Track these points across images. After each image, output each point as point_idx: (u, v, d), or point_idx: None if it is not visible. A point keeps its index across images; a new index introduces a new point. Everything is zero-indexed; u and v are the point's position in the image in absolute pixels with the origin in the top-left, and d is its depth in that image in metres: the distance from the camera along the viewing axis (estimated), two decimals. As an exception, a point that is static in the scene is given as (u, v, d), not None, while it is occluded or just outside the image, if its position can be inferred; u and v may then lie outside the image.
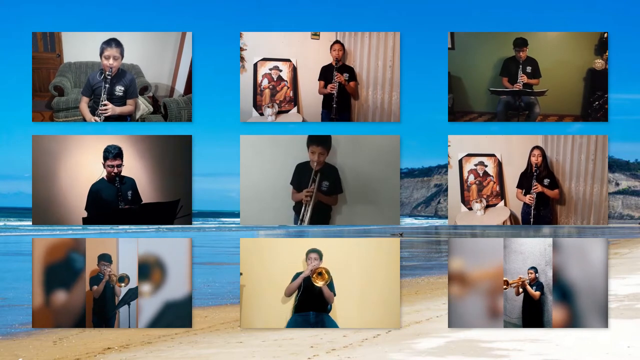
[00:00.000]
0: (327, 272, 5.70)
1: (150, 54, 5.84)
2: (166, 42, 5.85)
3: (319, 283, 5.69)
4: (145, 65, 5.84)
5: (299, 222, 5.78)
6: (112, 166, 5.71)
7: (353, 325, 5.74)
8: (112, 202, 5.73)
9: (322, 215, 5.79)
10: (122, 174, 5.74)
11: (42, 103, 5.82)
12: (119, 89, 5.78)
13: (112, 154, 5.71)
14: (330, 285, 5.70)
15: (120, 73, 5.78)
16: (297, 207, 5.80)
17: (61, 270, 5.69)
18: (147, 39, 5.84)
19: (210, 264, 18.57)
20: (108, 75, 5.76)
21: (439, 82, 5.88)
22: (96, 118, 5.78)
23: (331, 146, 5.76)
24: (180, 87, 5.87)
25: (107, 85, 5.77)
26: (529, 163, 5.85)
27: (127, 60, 5.80)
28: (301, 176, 5.77)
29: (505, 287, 5.69)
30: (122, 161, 5.73)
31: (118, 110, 5.80)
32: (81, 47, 5.79)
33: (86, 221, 5.71)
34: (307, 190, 5.76)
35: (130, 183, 5.75)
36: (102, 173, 5.73)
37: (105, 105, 5.78)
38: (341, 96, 5.87)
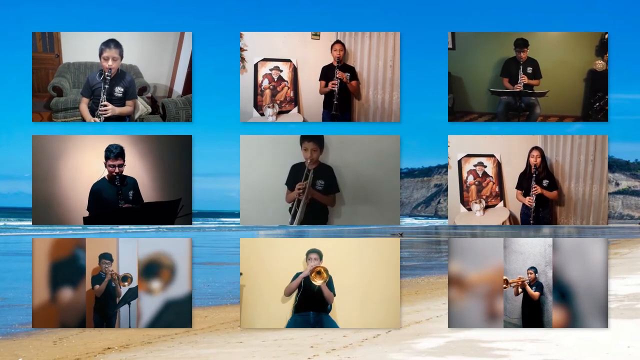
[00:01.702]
0: (326, 270, 5.70)
1: (149, 54, 5.84)
2: (165, 43, 5.85)
3: (318, 282, 5.69)
4: (144, 65, 5.83)
5: (291, 217, 5.77)
6: (114, 166, 5.70)
7: (353, 325, 5.74)
8: (113, 202, 5.73)
9: (318, 215, 5.79)
10: (124, 173, 5.74)
11: (40, 104, 5.82)
12: (119, 90, 5.78)
13: (114, 153, 5.70)
14: (330, 285, 5.70)
15: (119, 74, 5.78)
16: (292, 208, 5.81)
17: (62, 270, 5.69)
18: (145, 39, 5.84)
19: (210, 264, 18.58)
20: (107, 76, 5.76)
21: (439, 82, 5.88)
22: (96, 119, 5.78)
23: (324, 142, 5.75)
24: (178, 87, 5.86)
25: (106, 86, 5.76)
26: (528, 164, 5.85)
27: (126, 61, 5.79)
28: (296, 177, 5.77)
29: (505, 286, 5.69)
30: (123, 161, 5.72)
31: (117, 110, 5.80)
32: (80, 48, 5.79)
33: (87, 221, 5.71)
34: (300, 184, 5.75)
35: (132, 183, 5.75)
36: (103, 173, 5.73)
37: (105, 105, 5.78)
38: (343, 96, 5.87)
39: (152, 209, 5.74)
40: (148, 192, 5.76)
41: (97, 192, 5.71)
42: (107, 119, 5.78)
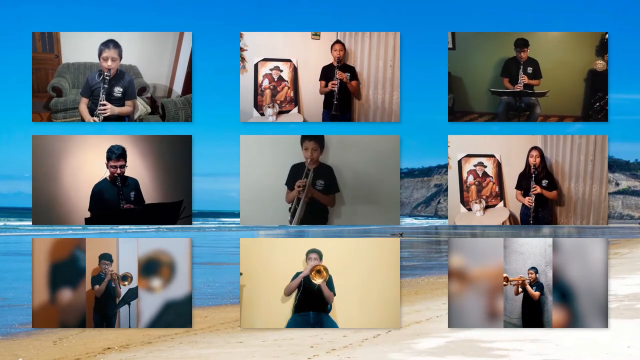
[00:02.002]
0: (326, 269, 5.70)
1: (148, 54, 5.83)
2: (164, 43, 5.85)
3: (318, 280, 5.69)
4: (144, 66, 5.83)
5: (290, 215, 5.76)
6: (115, 167, 5.70)
7: (353, 325, 5.74)
8: (115, 203, 5.72)
9: (318, 215, 5.79)
10: (126, 174, 5.73)
11: (40, 104, 5.81)
12: (118, 90, 5.78)
13: (116, 154, 5.70)
14: (330, 285, 5.70)
15: (118, 74, 5.78)
16: (292, 207, 5.81)
17: (62, 270, 5.69)
18: (145, 39, 5.83)
19: (210, 264, 18.57)
20: (107, 76, 5.76)
21: (439, 82, 5.88)
22: (95, 118, 5.78)
23: (324, 142, 5.75)
24: (177, 87, 5.86)
25: (105, 86, 5.76)
26: (527, 164, 5.85)
27: (126, 61, 5.79)
28: (296, 177, 5.77)
29: (505, 283, 5.69)
30: (125, 162, 5.72)
31: (117, 110, 5.80)
32: (80, 48, 5.79)
33: (89, 221, 5.71)
34: (300, 182, 5.75)
35: (134, 184, 5.74)
36: (105, 173, 5.72)
37: (104, 105, 5.77)
38: (343, 96, 5.87)
39: (154, 210, 5.74)
40: (149, 192, 5.76)
41: (99, 193, 5.71)
42: (106, 119, 5.78)
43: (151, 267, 5.69)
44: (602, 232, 43.26)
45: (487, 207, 5.90)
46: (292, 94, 5.91)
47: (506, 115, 5.86)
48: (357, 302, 5.70)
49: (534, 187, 5.84)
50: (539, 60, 5.82)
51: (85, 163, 5.72)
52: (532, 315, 5.70)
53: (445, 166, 6.04)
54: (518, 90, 5.83)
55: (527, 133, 5.87)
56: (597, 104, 5.79)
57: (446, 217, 6.55)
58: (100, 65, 5.76)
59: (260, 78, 5.88)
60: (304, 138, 5.76)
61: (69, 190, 5.72)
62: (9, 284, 13.89)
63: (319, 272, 5.70)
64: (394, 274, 5.69)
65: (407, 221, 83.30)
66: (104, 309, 5.72)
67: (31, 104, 5.81)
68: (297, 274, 5.71)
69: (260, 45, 5.87)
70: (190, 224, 5.79)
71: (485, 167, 5.89)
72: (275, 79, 5.89)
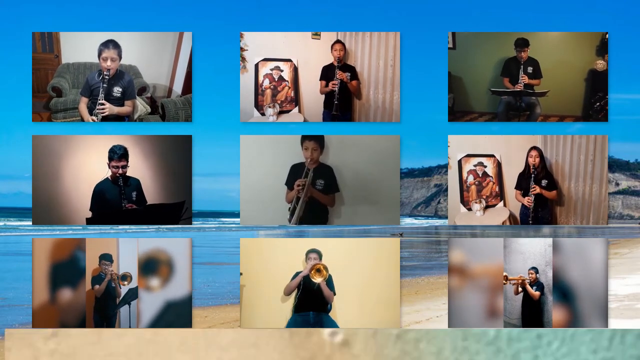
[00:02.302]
0: (326, 268, 5.69)
1: (148, 54, 5.83)
2: (164, 43, 5.85)
3: (318, 279, 5.68)
4: (143, 66, 5.83)
5: (290, 215, 5.75)
6: (117, 167, 5.70)
7: (353, 325, 5.73)
8: (116, 203, 5.72)
9: (318, 215, 5.79)
10: (127, 174, 5.73)
11: (40, 104, 5.81)
12: (117, 90, 5.78)
13: (117, 154, 5.69)
14: (330, 284, 5.69)
15: (118, 74, 5.78)
16: (292, 208, 5.80)
17: (62, 270, 5.68)
18: (145, 39, 5.83)
19: (210, 264, 18.57)
20: (106, 76, 5.75)
21: (439, 82, 5.88)
22: (93, 117, 5.77)
23: (324, 142, 5.75)
24: (177, 87, 5.86)
25: (105, 86, 5.76)
26: (527, 164, 5.85)
27: (125, 61, 5.79)
28: (296, 177, 5.77)
29: (504, 282, 5.68)
30: (127, 162, 5.72)
31: (116, 110, 5.79)
32: (80, 48, 5.78)
33: (90, 222, 5.71)
34: (299, 181, 5.74)
35: (135, 184, 5.74)
36: (107, 173, 5.72)
37: (102, 104, 5.77)
38: (343, 96, 5.87)
39: (156, 210, 5.73)
40: (151, 192, 5.75)
41: (100, 193, 5.71)
42: (105, 119, 5.78)
43: (151, 267, 5.69)
44: (602, 232, 43.26)
45: (487, 207, 5.90)
46: (292, 94, 5.91)
47: (506, 115, 5.85)
48: (357, 302, 5.70)
49: (533, 187, 5.84)
50: (539, 60, 5.82)
51: (85, 163, 5.72)
52: (532, 315, 5.69)
53: (445, 166, 6.03)
54: (518, 90, 5.83)
55: (527, 133, 5.86)
56: (597, 104, 5.79)
57: (446, 217, 6.55)
58: (100, 65, 5.76)
59: (260, 78, 5.88)
60: (304, 138, 5.76)
61: (69, 190, 5.72)
62: (9, 284, 13.90)
63: (318, 270, 5.69)
64: (394, 274, 5.69)
65: (407, 221, 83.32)
66: (104, 309, 5.72)
67: (31, 104, 5.81)
68: (297, 274, 5.71)
69: (261, 45, 5.87)
70: (190, 223, 5.79)
71: (485, 167, 5.89)
72: (276, 79, 5.89)
